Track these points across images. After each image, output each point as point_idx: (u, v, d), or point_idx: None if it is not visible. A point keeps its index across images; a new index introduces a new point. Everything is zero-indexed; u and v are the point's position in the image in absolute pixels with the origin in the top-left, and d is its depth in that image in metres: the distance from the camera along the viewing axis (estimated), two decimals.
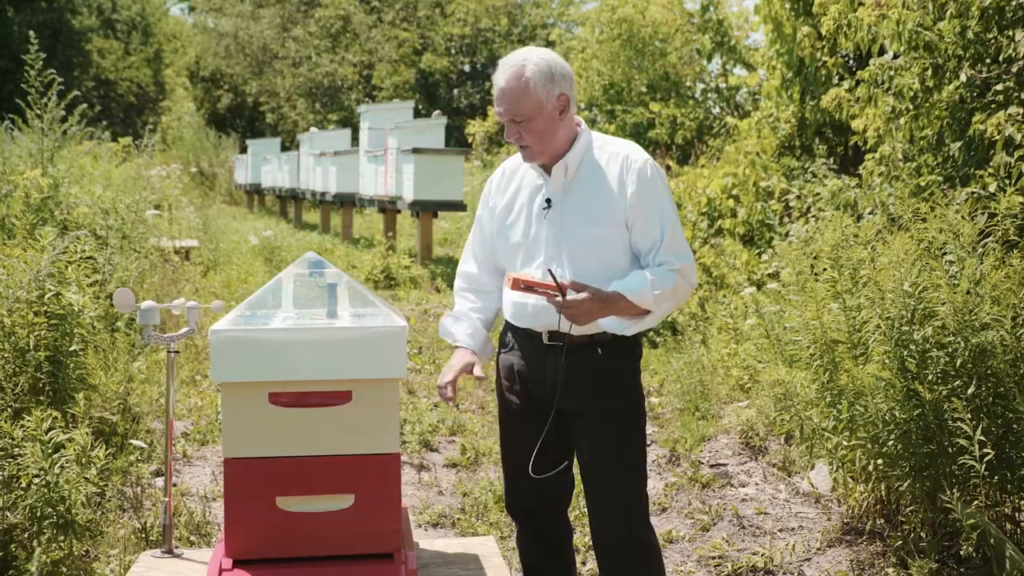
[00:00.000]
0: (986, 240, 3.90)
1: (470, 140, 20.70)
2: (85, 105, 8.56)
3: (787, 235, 7.23)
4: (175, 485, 4.57)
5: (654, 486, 4.74)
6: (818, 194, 7.13)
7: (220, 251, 10.83)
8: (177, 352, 2.97)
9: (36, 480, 3.30)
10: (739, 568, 3.86)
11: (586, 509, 2.92)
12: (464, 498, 4.56)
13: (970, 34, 5.15)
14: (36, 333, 4.08)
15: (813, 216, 6.62)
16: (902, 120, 5.55)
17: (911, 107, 5.47)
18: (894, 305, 3.68)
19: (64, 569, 3.41)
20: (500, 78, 2.59)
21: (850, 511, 4.23)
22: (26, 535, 3.41)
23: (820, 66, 8.67)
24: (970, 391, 3.52)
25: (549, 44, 27.57)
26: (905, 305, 3.64)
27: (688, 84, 15.75)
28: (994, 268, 3.69)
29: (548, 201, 2.65)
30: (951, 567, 3.65)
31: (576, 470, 2.88)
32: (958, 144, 5.30)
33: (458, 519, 4.35)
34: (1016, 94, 5.03)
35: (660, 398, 6.15)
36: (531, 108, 2.56)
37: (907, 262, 3.67)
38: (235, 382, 2.45)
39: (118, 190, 7.90)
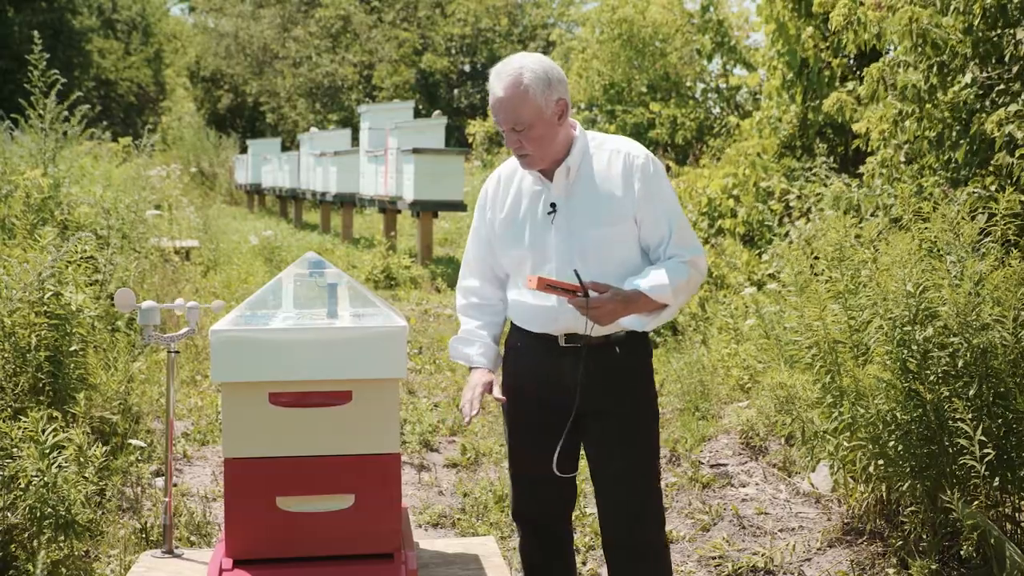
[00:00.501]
0: (986, 240, 3.89)
1: (470, 140, 20.70)
2: (87, 106, 8.55)
3: (787, 235, 7.24)
4: (175, 485, 4.57)
5: None
6: (819, 194, 7.12)
7: (220, 251, 10.83)
8: (177, 352, 2.97)
9: (35, 480, 3.30)
10: (739, 568, 3.85)
11: (593, 509, 2.90)
12: (464, 498, 4.56)
13: (978, 33, 5.15)
14: (36, 333, 4.08)
15: (815, 216, 6.62)
16: (907, 123, 5.54)
17: (916, 109, 5.47)
18: (896, 305, 3.67)
19: (64, 569, 3.40)
20: (497, 87, 2.56)
21: (850, 511, 4.23)
22: (26, 535, 3.41)
23: (824, 67, 8.66)
24: (972, 392, 3.51)
25: (549, 44, 27.58)
26: (907, 305, 3.64)
27: (688, 84, 15.74)
28: (994, 268, 3.68)
29: (553, 206, 2.62)
30: (952, 567, 3.65)
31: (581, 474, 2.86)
32: (961, 146, 5.30)
33: (458, 519, 4.35)
34: (1018, 93, 5.03)
35: (660, 398, 6.15)
36: (531, 115, 2.53)
37: (909, 262, 3.67)
38: (235, 382, 2.44)
39: (118, 190, 7.90)
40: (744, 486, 4.79)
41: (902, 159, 5.92)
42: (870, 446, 3.78)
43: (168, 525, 2.89)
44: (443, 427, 5.53)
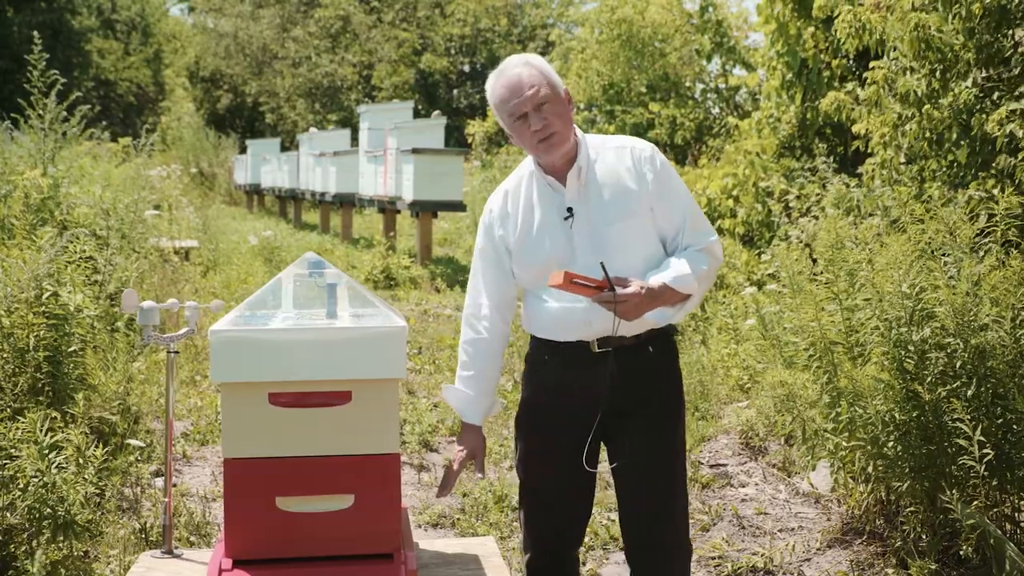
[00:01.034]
0: (985, 241, 3.90)
1: (470, 140, 20.71)
2: (87, 106, 8.55)
3: (787, 236, 7.24)
4: (175, 485, 4.57)
5: None
6: (819, 195, 7.13)
7: (220, 251, 10.82)
8: (177, 352, 2.97)
9: (34, 480, 3.30)
10: (739, 568, 3.86)
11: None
12: (464, 498, 4.56)
13: (979, 38, 5.14)
14: (35, 333, 4.08)
15: (813, 216, 6.62)
16: (908, 127, 5.54)
17: (917, 113, 5.47)
18: (892, 306, 3.67)
19: (64, 570, 3.40)
20: (511, 72, 2.58)
21: (850, 511, 4.23)
22: (25, 535, 3.41)
23: (824, 67, 8.67)
24: (970, 392, 3.51)
25: (548, 44, 27.58)
26: (903, 306, 3.64)
27: (687, 84, 15.75)
28: (993, 268, 3.68)
29: (570, 210, 2.59)
30: (951, 567, 3.65)
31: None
32: (961, 147, 5.30)
33: (458, 519, 4.35)
34: (1021, 93, 5.03)
35: None
36: (550, 89, 2.56)
37: (905, 263, 3.67)
38: (235, 382, 2.44)
39: (117, 190, 7.90)
40: (744, 486, 4.79)
41: (902, 160, 5.92)
42: (869, 446, 3.78)
43: (168, 525, 2.89)
44: (443, 427, 5.53)
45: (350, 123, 24.00)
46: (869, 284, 3.82)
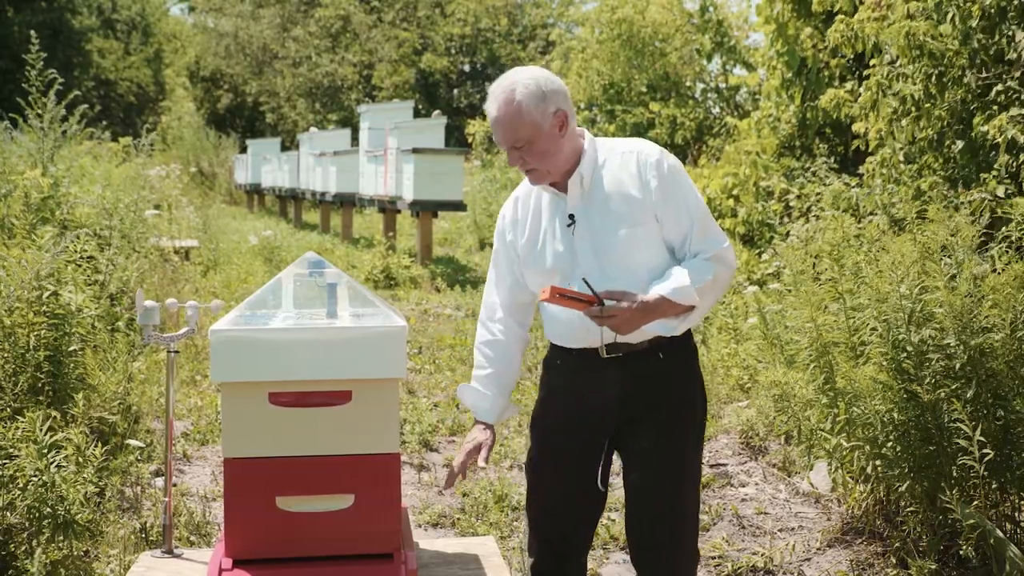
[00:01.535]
0: (992, 244, 3.89)
1: (470, 140, 20.70)
2: (86, 106, 8.55)
3: (787, 235, 7.24)
4: (175, 485, 4.57)
5: None
6: (819, 194, 7.13)
7: (220, 251, 10.83)
8: (177, 352, 2.97)
9: (34, 480, 3.29)
10: (739, 568, 3.85)
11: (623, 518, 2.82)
12: (464, 498, 4.56)
13: (974, 43, 5.14)
14: (36, 333, 4.08)
15: (814, 216, 6.62)
16: (904, 122, 5.54)
17: (913, 109, 5.47)
18: (892, 307, 3.67)
19: (63, 569, 3.40)
20: (492, 107, 2.52)
21: (850, 511, 4.23)
22: (25, 535, 3.41)
23: (823, 67, 8.67)
24: (970, 393, 3.51)
25: (549, 44, 27.59)
26: (903, 307, 3.64)
27: (688, 84, 15.75)
28: (994, 270, 3.68)
29: (571, 217, 2.57)
30: (951, 567, 3.65)
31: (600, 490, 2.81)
32: (960, 146, 5.30)
33: (458, 519, 4.35)
34: (1018, 95, 5.03)
35: None
36: (529, 131, 2.49)
37: (906, 264, 3.66)
38: (235, 382, 2.44)
39: (118, 190, 7.90)
40: (744, 486, 4.79)
41: (901, 159, 5.92)
42: (868, 446, 3.78)
43: (168, 525, 2.89)
44: (443, 427, 5.53)
45: (350, 123, 24.01)
46: (870, 284, 3.82)
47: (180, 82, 36.39)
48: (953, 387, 3.55)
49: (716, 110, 15.52)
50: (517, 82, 2.51)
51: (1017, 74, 5.08)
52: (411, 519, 3.16)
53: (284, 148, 22.51)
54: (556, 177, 2.58)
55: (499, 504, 4.41)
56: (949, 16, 5.19)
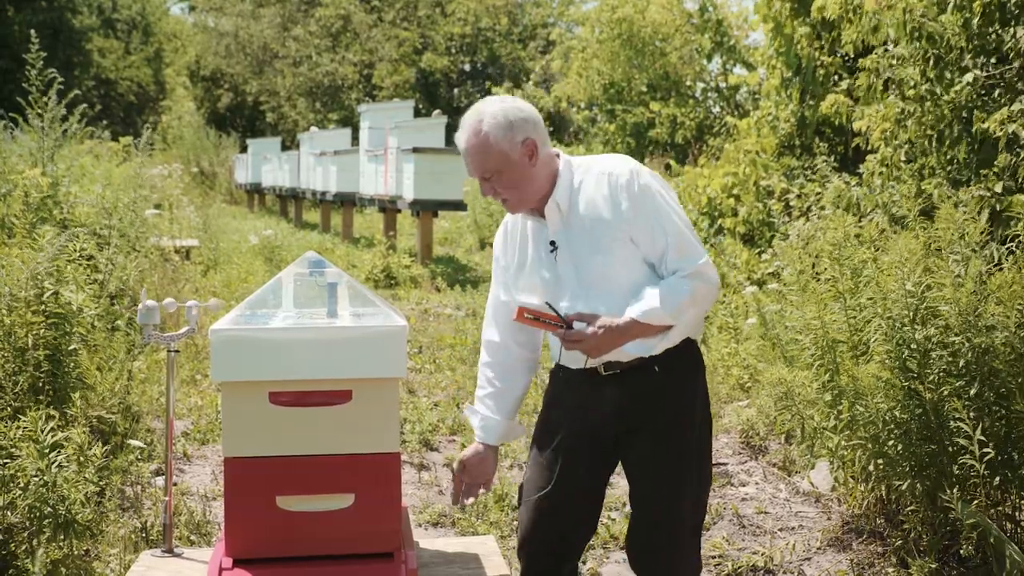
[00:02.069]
0: (992, 242, 3.89)
1: None
2: (85, 105, 8.55)
3: (787, 235, 7.24)
4: (175, 484, 4.57)
5: None
6: (819, 193, 7.13)
7: (220, 250, 10.82)
8: (177, 351, 2.97)
9: (35, 480, 3.30)
10: (739, 567, 3.85)
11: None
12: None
13: (973, 27, 5.14)
14: (35, 332, 4.08)
15: (814, 215, 6.62)
16: (909, 123, 5.53)
17: (919, 108, 5.46)
18: (896, 305, 3.67)
19: (64, 569, 3.40)
20: (460, 138, 2.54)
21: (850, 510, 4.23)
22: (26, 534, 3.41)
23: (818, 65, 8.67)
24: (972, 392, 3.51)
25: (549, 44, 27.57)
26: (907, 305, 3.64)
27: (688, 83, 15.76)
28: (996, 267, 3.68)
29: (552, 243, 2.58)
30: (951, 567, 3.65)
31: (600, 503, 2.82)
32: (961, 144, 5.29)
33: (458, 518, 4.35)
34: (1020, 92, 5.03)
35: None
36: (497, 162, 2.50)
37: (910, 262, 3.66)
38: (235, 381, 2.44)
39: (118, 189, 7.89)
40: (744, 485, 4.79)
41: (902, 158, 5.91)
42: (870, 445, 3.78)
43: (168, 524, 2.89)
44: (443, 426, 5.53)
45: (351, 122, 24.00)
46: (873, 282, 3.81)
47: (180, 81, 36.39)
48: (956, 385, 3.55)
49: (716, 109, 15.52)
50: (484, 112, 2.52)
51: (1016, 64, 5.07)
52: (411, 518, 3.17)
53: (284, 148, 22.51)
54: (532, 204, 2.58)
55: (499, 504, 4.41)
56: (951, 4, 5.19)
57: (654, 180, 2.56)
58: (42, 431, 3.33)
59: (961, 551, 3.52)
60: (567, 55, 19.70)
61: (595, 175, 2.57)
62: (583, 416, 2.64)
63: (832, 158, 8.28)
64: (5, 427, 3.40)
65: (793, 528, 4.26)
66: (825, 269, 4.16)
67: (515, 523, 4.23)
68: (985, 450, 3.37)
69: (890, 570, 3.73)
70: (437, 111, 14.14)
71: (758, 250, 8.03)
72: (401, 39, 29.75)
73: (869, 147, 6.36)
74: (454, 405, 5.88)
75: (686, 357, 2.64)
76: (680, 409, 2.63)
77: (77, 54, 30.89)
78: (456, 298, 9.58)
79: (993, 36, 5.19)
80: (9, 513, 3.37)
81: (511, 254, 2.69)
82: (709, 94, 15.82)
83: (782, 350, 5.36)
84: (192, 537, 3.98)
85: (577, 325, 2.48)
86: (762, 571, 3.86)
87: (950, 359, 3.58)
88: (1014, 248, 3.87)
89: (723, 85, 15.37)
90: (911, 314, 3.64)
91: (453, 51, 30.59)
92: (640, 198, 2.51)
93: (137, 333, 5.40)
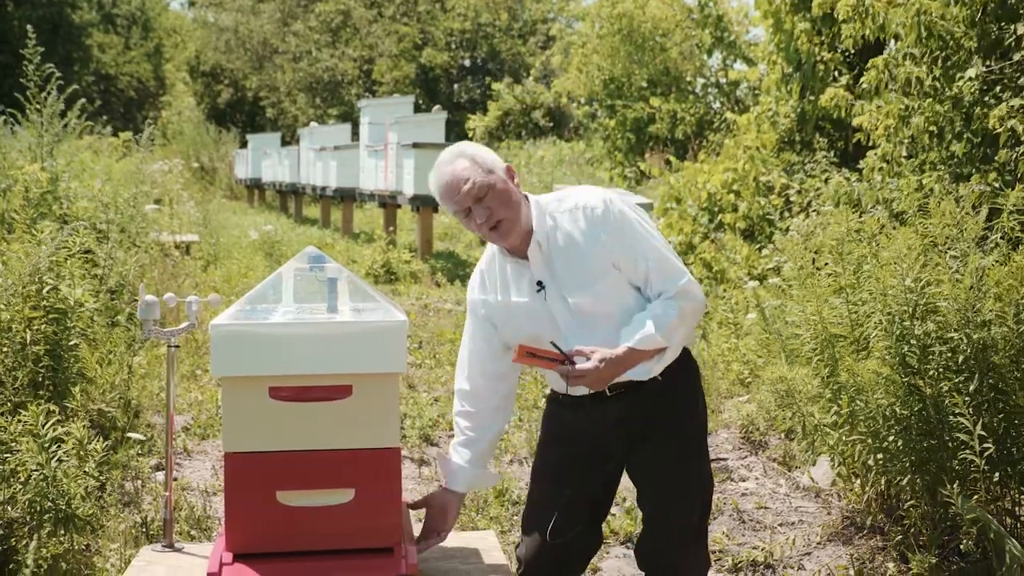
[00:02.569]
0: (991, 236, 3.89)
1: (470, 135, 20.69)
2: (84, 100, 8.54)
3: (787, 230, 7.23)
4: (175, 479, 4.57)
5: None
6: (819, 189, 7.13)
7: (220, 246, 10.82)
8: (177, 347, 2.97)
9: (35, 474, 3.30)
10: (739, 562, 3.86)
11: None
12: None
13: (982, 26, 5.13)
14: (35, 327, 4.08)
15: (814, 211, 6.61)
16: (914, 119, 5.52)
17: (923, 105, 5.45)
18: (895, 300, 3.67)
19: (64, 563, 3.41)
20: (445, 171, 2.55)
21: (850, 505, 4.23)
22: (26, 529, 3.41)
23: (818, 61, 8.66)
24: (972, 387, 3.51)
25: (549, 39, 27.57)
26: (907, 300, 3.64)
27: (688, 79, 15.74)
28: (998, 264, 3.68)
29: (540, 284, 2.59)
30: (951, 561, 3.65)
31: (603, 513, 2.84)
32: (961, 141, 5.29)
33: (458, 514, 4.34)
34: (1022, 88, 5.02)
35: None
36: (486, 176, 2.52)
37: (910, 257, 3.66)
38: (235, 376, 2.44)
39: (118, 184, 7.89)
40: (744, 480, 4.79)
41: (903, 153, 5.91)
42: (870, 440, 3.78)
43: (168, 519, 2.89)
44: (443, 421, 5.53)
45: (351, 118, 24.01)
46: (873, 278, 3.81)
47: (180, 77, 36.38)
48: (955, 381, 3.55)
49: (716, 105, 15.51)
50: (457, 145, 2.61)
51: (1016, 57, 5.06)
52: (411, 513, 3.17)
53: (284, 143, 22.50)
54: (520, 236, 2.58)
55: (499, 499, 4.41)
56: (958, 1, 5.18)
57: (626, 207, 2.60)
58: (42, 426, 3.33)
59: (961, 546, 3.52)
60: (567, 50, 19.69)
61: (568, 211, 2.59)
62: (585, 435, 2.69)
63: (832, 154, 8.29)
64: (5, 422, 3.40)
65: (793, 523, 4.26)
66: (826, 264, 4.16)
67: (515, 518, 4.23)
68: (985, 445, 3.37)
69: (890, 565, 3.73)
70: (437, 107, 14.14)
71: (758, 246, 8.03)
72: (401, 34, 29.74)
73: (870, 143, 6.35)
74: (454, 401, 5.87)
75: (685, 366, 2.69)
76: (680, 413, 2.68)
77: (77, 49, 30.88)
78: (456, 293, 9.58)
79: (995, 31, 5.19)
80: (9, 508, 3.37)
81: (493, 301, 2.69)
82: (709, 90, 15.82)
83: (783, 345, 5.36)
84: (192, 532, 3.98)
85: (577, 360, 2.51)
86: (762, 566, 3.87)
87: (949, 354, 3.58)
88: (999, 240, 3.87)
89: (723, 81, 15.36)
90: (911, 310, 3.64)
91: (453, 46, 30.58)
92: (617, 227, 2.55)
93: (137, 328, 5.40)
